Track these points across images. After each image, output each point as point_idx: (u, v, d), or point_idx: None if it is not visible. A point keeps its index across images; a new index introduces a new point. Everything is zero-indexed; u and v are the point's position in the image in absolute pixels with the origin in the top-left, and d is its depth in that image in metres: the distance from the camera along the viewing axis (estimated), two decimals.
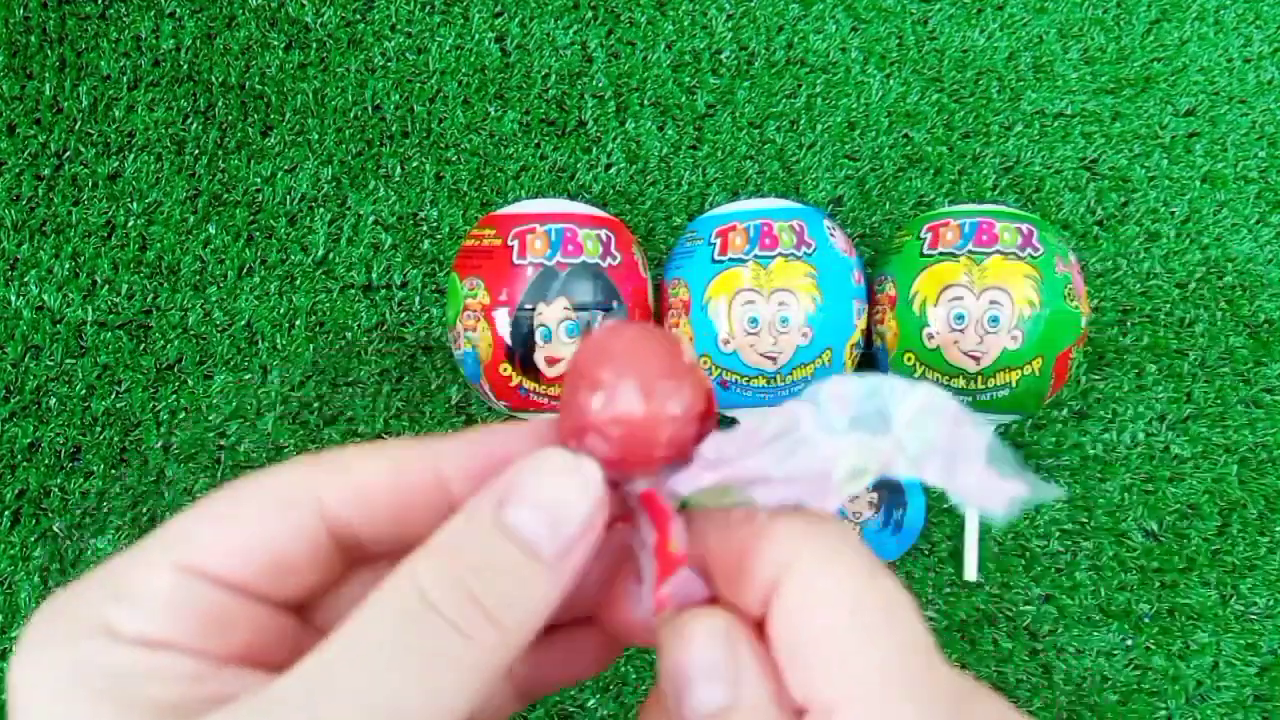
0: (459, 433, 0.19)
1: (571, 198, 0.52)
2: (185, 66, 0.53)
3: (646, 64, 0.54)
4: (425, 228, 0.52)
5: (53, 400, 0.51)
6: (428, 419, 0.51)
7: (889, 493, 0.50)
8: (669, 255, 0.49)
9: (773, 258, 0.44)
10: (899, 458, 0.17)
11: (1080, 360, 0.51)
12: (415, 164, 0.53)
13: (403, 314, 0.52)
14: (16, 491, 0.50)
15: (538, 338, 0.44)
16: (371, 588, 0.16)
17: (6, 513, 0.50)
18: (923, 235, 0.45)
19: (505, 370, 0.44)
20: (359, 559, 0.19)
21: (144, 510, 0.50)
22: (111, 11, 0.54)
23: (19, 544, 0.49)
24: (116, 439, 0.50)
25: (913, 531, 0.49)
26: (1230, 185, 0.53)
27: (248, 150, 0.53)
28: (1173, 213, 0.53)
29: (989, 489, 0.17)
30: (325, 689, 0.15)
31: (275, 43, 0.54)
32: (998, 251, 0.43)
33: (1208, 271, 0.52)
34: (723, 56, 0.54)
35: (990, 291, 0.43)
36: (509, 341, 0.44)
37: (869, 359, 0.48)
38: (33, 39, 0.53)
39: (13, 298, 0.51)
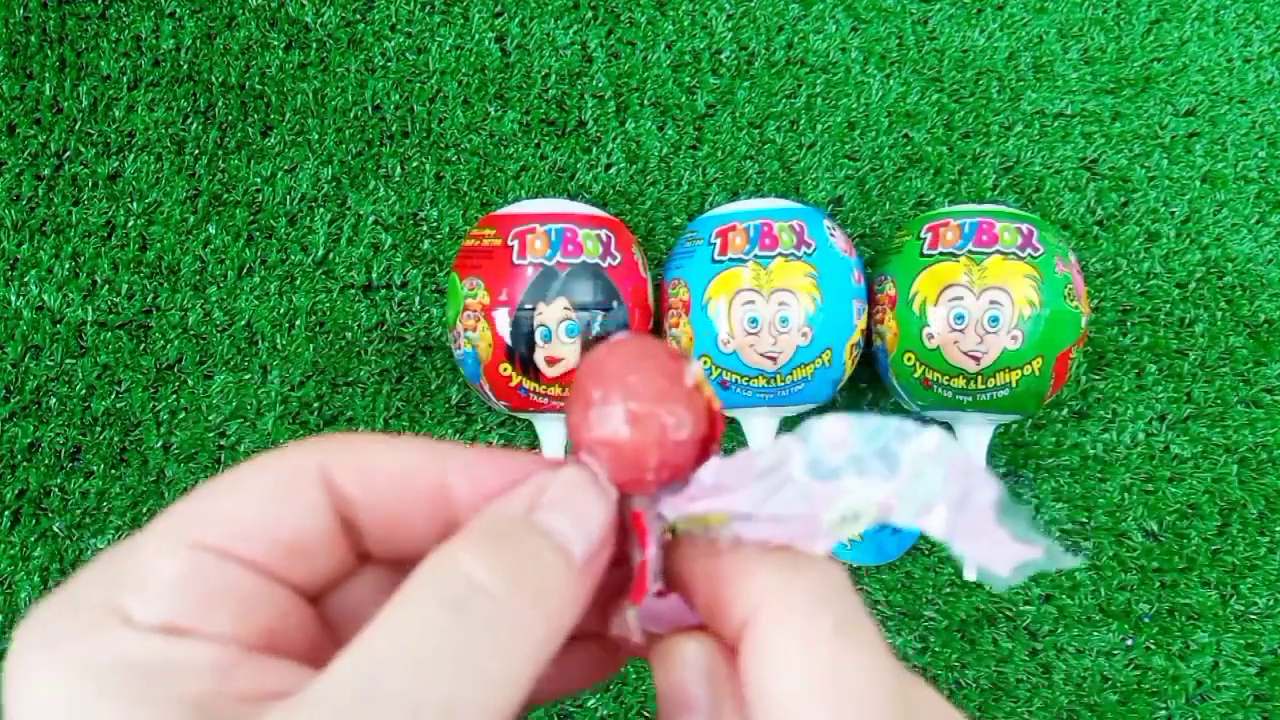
0: (470, 446, 0.18)
1: (571, 198, 0.52)
2: (185, 66, 0.53)
3: (646, 64, 0.54)
4: (425, 228, 0.52)
5: (53, 400, 0.51)
6: (428, 419, 0.51)
7: None
8: (669, 255, 0.49)
9: (773, 258, 0.44)
10: (899, 505, 0.16)
11: (1080, 360, 0.51)
12: (415, 164, 0.53)
13: (403, 314, 0.52)
14: (16, 491, 0.50)
15: (538, 338, 0.44)
16: (376, 589, 0.16)
17: (6, 513, 0.50)
18: (923, 235, 0.45)
19: (505, 370, 0.44)
20: (359, 555, 0.19)
21: (144, 510, 0.50)
22: (111, 11, 0.54)
23: (19, 544, 0.49)
24: (116, 439, 0.50)
25: (913, 531, 0.49)
26: (1230, 185, 0.53)
27: (248, 150, 0.53)
28: (1173, 213, 0.53)
29: (996, 549, 0.16)
30: (374, 687, 0.14)
31: (275, 43, 0.54)
32: (998, 251, 0.43)
33: (1208, 271, 0.52)
34: (723, 56, 0.54)
35: (990, 291, 0.43)
36: (509, 341, 0.44)
37: (869, 359, 0.48)
38: (33, 39, 0.53)
39: (13, 298, 0.51)
